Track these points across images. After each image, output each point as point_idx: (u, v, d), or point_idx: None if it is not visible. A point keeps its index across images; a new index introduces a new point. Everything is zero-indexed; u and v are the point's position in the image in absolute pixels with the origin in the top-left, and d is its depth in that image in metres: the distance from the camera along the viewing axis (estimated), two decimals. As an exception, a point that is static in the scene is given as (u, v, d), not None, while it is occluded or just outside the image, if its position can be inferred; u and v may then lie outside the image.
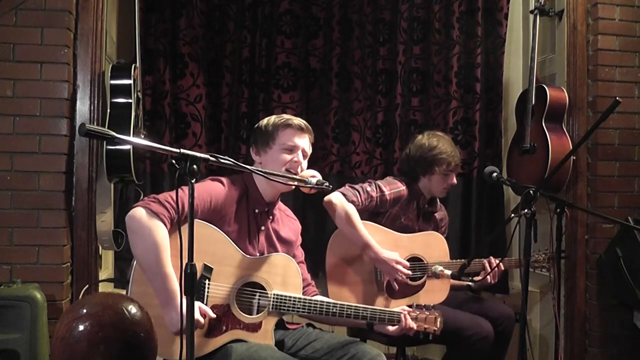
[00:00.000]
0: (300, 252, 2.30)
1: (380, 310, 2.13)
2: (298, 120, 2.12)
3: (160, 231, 1.81)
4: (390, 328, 2.14)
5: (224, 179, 2.06)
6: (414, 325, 2.12)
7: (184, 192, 1.86)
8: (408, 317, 2.12)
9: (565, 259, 2.93)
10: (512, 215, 2.09)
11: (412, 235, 2.61)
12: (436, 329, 2.13)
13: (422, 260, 2.57)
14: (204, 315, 1.84)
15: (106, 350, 1.31)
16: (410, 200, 2.68)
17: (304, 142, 2.12)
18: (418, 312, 2.14)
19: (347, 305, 2.09)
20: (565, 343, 3.00)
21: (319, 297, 2.19)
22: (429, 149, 2.64)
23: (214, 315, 1.88)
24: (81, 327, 1.31)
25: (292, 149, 2.08)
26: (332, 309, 2.06)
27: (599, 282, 2.94)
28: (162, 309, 1.79)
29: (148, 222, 1.81)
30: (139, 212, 1.82)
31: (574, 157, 2.95)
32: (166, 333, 1.78)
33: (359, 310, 2.09)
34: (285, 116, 2.15)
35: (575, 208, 2.75)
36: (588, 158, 3.02)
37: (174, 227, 1.87)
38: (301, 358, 2.05)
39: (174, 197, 1.87)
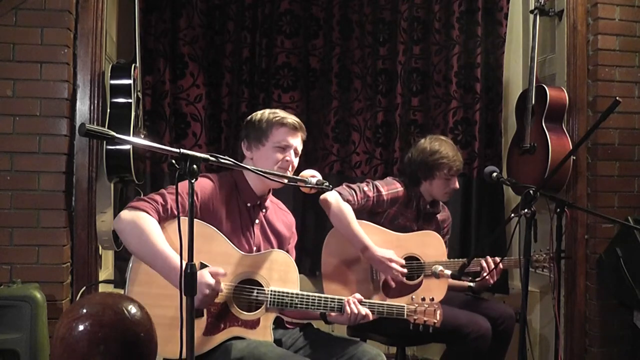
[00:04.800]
0: (293, 254, 2.23)
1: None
2: (292, 119, 2.10)
3: (145, 219, 1.84)
4: (340, 317, 2.03)
5: (212, 175, 2.07)
6: (364, 310, 2.01)
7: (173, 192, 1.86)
8: (352, 303, 2.00)
9: (566, 259, 2.93)
10: (512, 215, 2.08)
11: (409, 235, 2.60)
12: (436, 321, 2.10)
13: (419, 260, 2.56)
14: (215, 275, 1.80)
15: (106, 350, 1.31)
16: (409, 202, 2.67)
17: (297, 141, 2.11)
18: (417, 305, 2.12)
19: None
20: (565, 343, 3.00)
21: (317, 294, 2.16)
22: (431, 153, 2.63)
23: (224, 273, 1.85)
24: (81, 327, 1.31)
25: (285, 148, 2.07)
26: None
27: (599, 282, 2.94)
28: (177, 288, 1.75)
29: (132, 216, 1.85)
30: (123, 214, 1.88)
31: (574, 157, 2.95)
32: (165, 332, 1.77)
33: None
34: (280, 113, 2.11)
35: (575, 208, 2.75)
36: (588, 158, 3.02)
37: (164, 221, 1.89)
38: (300, 358, 2.05)
39: (155, 195, 1.91)
